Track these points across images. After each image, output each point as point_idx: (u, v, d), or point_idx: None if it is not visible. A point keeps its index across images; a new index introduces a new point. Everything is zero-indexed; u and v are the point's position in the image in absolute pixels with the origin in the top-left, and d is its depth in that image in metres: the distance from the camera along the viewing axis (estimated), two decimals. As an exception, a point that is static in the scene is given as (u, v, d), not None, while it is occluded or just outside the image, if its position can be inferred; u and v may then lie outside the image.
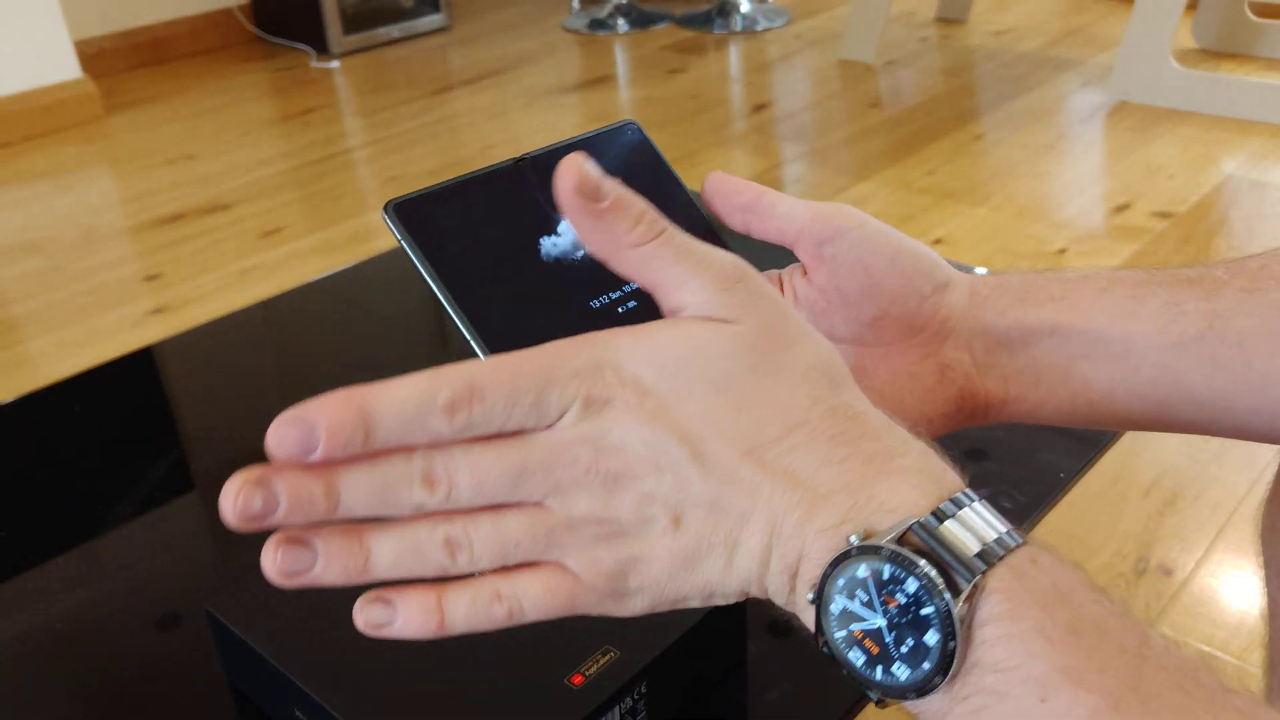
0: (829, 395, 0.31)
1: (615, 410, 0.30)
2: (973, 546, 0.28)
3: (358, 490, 0.30)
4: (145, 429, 0.78)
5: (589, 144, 0.42)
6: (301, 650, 0.47)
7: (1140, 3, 2.25)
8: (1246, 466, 1.19)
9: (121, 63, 3.03)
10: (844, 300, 0.41)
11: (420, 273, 0.36)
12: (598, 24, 3.21)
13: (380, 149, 2.40)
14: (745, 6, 3.16)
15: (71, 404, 0.82)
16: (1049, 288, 0.40)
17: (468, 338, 0.36)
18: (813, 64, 2.78)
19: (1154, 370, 0.39)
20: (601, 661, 0.45)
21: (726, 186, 0.42)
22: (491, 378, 0.30)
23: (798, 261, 0.42)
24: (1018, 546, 0.28)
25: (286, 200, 2.16)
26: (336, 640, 0.48)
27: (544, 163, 0.40)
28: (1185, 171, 2.00)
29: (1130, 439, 1.21)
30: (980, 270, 0.87)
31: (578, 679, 0.44)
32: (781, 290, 0.43)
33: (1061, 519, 1.13)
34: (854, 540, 0.29)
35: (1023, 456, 0.63)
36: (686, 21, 3.20)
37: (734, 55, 2.95)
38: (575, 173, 0.32)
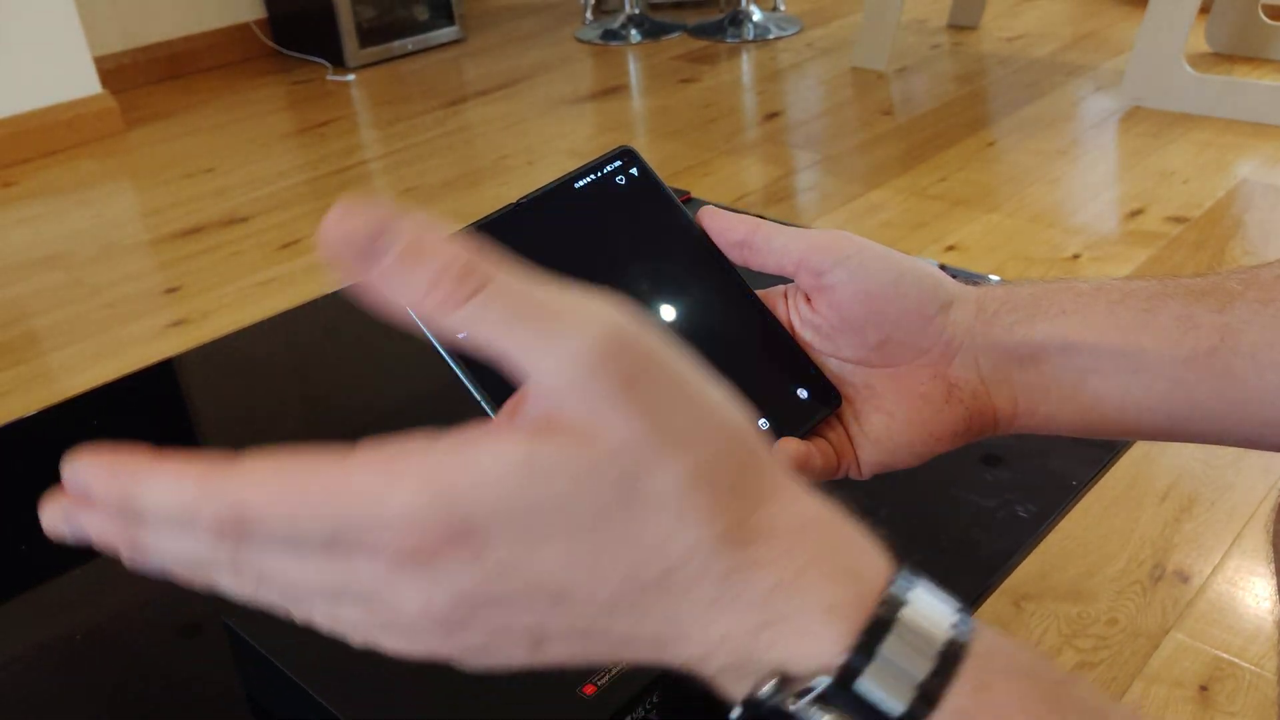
0: (719, 516, 0.25)
1: (449, 565, 0.24)
2: (896, 706, 0.24)
3: (164, 554, 0.26)
4: (166, 441, 0.78)
5: (582, 179, 0.42)
6: (318, 663, 0.48)
7: (1153, 7, 2.25)
8: (1264, 472, 1.18)
9: (141, 78, 3.06)
10: (848, 326, 0.41)
11: (425, 333, 0.35)
12: (610, 34, 3.23)
13: (396, 160, 2.42)
14: (757, 15, 3.17)
15: (92, 416, 0.83)
16: (1060, 300, 0.40)
17: (476, 397, 0.36)
18: (824, 72, 2.79)
19: (1166, 384, 0.38)
20: (613, 671, 0.45)
21: (720, 224, 0.42)
22: (265, 509, 0.24)
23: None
24: (954, 678, 0.25)
25: (304, 212, 2.18)
26: (352, 653, 0.48)
27: (540, 206, 0.40)
28: (1199, 176, 1.99)
29: (1146, 443, 1.20)
30: (994, 278, 0.87)
31: (590, 689, 0.45)
32: (785, 310, 0.43)
33: (1077, 525, 1.13)
34: (765, 692, 0.25)
35: (1036, 462, 0.63)
36: (698, 31, 3.21)
37: (746, 64, 2.96)
38: (338, 227, 0.24)
